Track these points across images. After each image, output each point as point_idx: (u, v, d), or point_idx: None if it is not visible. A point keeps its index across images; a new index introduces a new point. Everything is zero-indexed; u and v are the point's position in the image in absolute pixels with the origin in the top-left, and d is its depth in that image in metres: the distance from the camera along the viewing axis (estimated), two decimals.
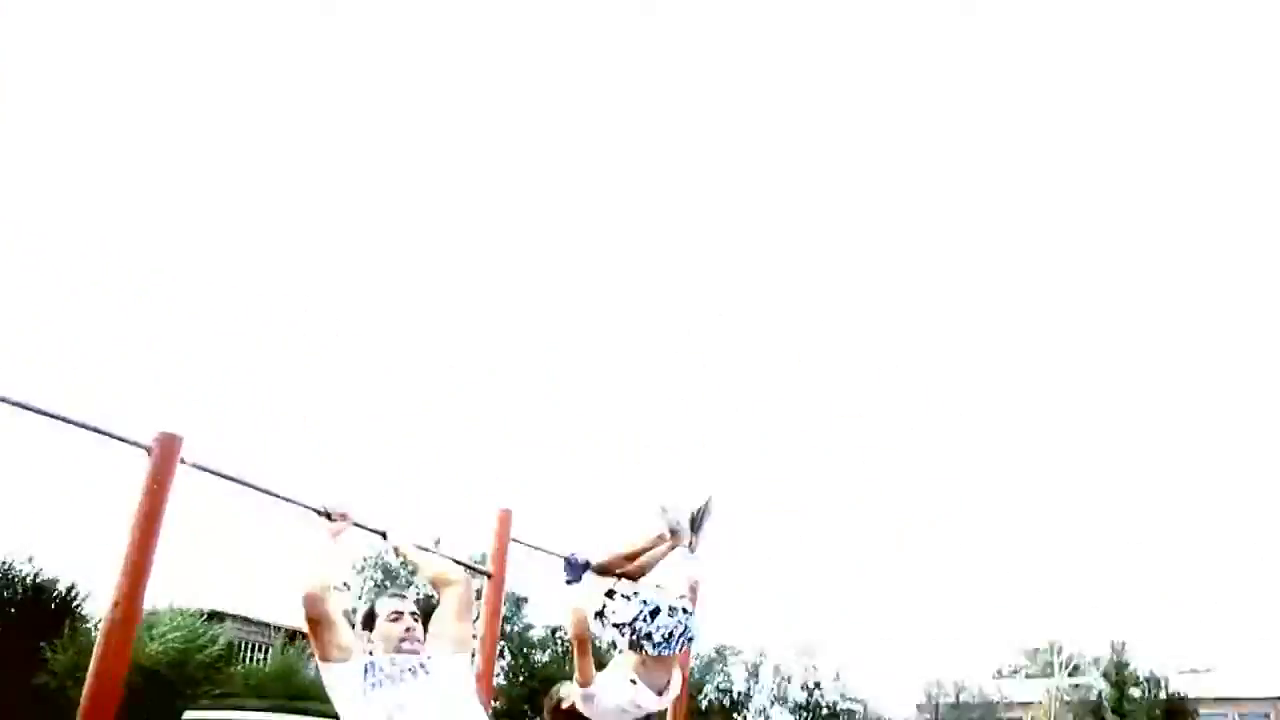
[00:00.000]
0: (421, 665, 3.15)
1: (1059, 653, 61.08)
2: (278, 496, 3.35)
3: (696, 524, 4.50)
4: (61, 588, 29.15)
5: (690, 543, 4.56)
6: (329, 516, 3.49)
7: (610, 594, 4.33)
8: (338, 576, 3.43)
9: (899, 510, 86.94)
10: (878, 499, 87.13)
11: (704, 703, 53.87)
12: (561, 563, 4.38)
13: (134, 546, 2.72)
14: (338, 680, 3.16)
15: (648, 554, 4.52)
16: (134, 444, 2.77)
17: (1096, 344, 74.93)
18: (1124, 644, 56.47)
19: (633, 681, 4.36)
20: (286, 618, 38.05)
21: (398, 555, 3.57)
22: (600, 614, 4.30)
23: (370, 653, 3.24)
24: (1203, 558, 79.57)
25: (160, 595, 26.07)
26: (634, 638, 4.26)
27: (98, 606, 29.85)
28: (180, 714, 21.60)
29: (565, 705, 4.45)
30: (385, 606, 3.38)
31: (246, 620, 35.00)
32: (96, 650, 2.71)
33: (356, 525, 3.59)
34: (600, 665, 4.44)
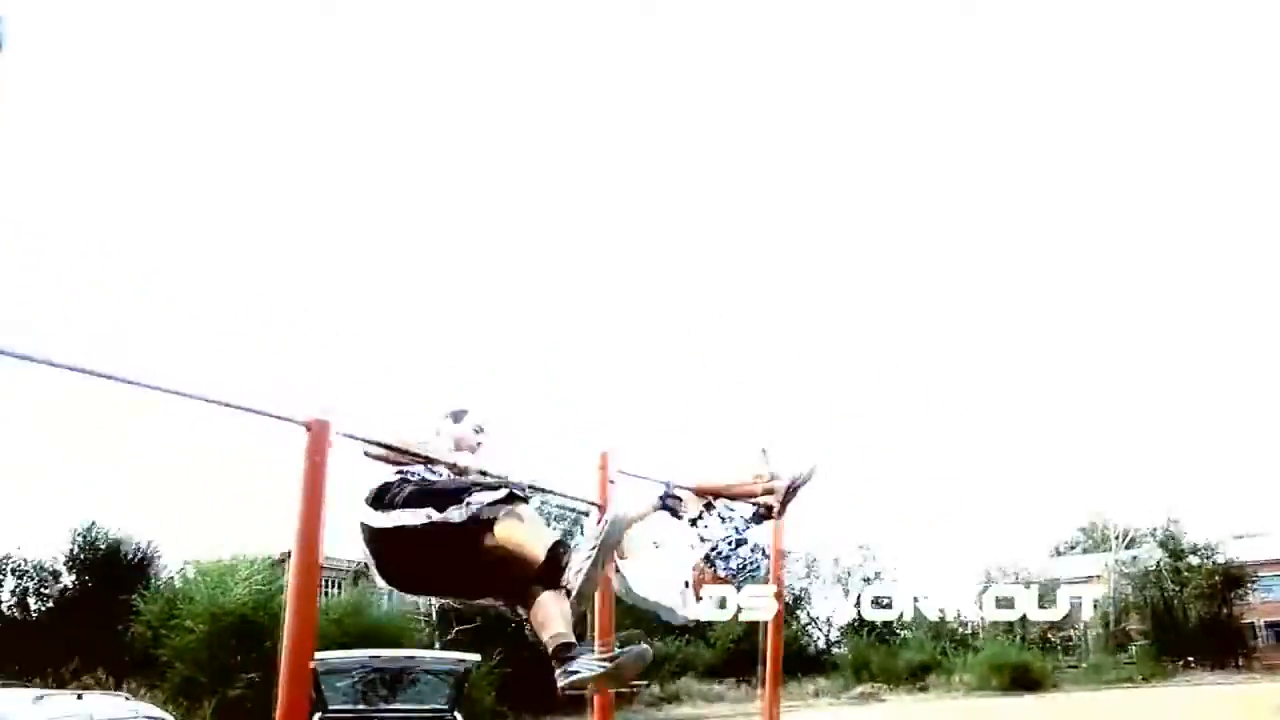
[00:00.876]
0: None
1: (1113, 527, 61.47)
2: (419, 457, 3.67)
3: (790, 494, 4.77)
4: (139, 546, 30.33)
5: (780, 507, 4.81)
6: (456, 470, 3.84)
7: (710, 507, 4.65)
8: None
9: (948, 396, 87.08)
10: (926, 387, 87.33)
11: None
12: (659, 492, 4.67)
13: (305, 514, 3.05)
14: None
15: (739, 490, 4.80)
16: (292, 421, 3.08)
17: (1141, 211, 74.00)
18: (1178, 513, 56.63)
19: (686, 584, 4.67)
20: (352, 554, 39.21)
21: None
22: (694, 521, 4.62)
23: None
24: (1253, 422, 79.35)
25: (234, 546, 27.00)
26: (710, 554, 4.57)
27: (172, 561, 31.05)
28: (267, 653, 22.57)
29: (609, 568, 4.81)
30: None
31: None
32: (288, 612, 3.03)
33: (481, 473, 3.92)
34: None
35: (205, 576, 26.27)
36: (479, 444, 3.99)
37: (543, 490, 4.37)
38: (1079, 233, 76.93)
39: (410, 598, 37.68)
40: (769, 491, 4.70)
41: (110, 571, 29.20)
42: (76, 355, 2.71)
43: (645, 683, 41.19)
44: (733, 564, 4.57)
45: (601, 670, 3.83)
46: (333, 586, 35.71)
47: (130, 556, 29.99)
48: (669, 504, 4.79)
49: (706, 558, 4.58)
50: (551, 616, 3.74)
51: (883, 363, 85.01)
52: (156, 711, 11.43)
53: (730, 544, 4.57)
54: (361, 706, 9.76)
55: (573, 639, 3.76)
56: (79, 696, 10.16)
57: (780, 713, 5.77)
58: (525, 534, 3.49)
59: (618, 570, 4.51)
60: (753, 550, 4.58)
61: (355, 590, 30.94)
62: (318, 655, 10.03)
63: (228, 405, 3.02)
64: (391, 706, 9.42)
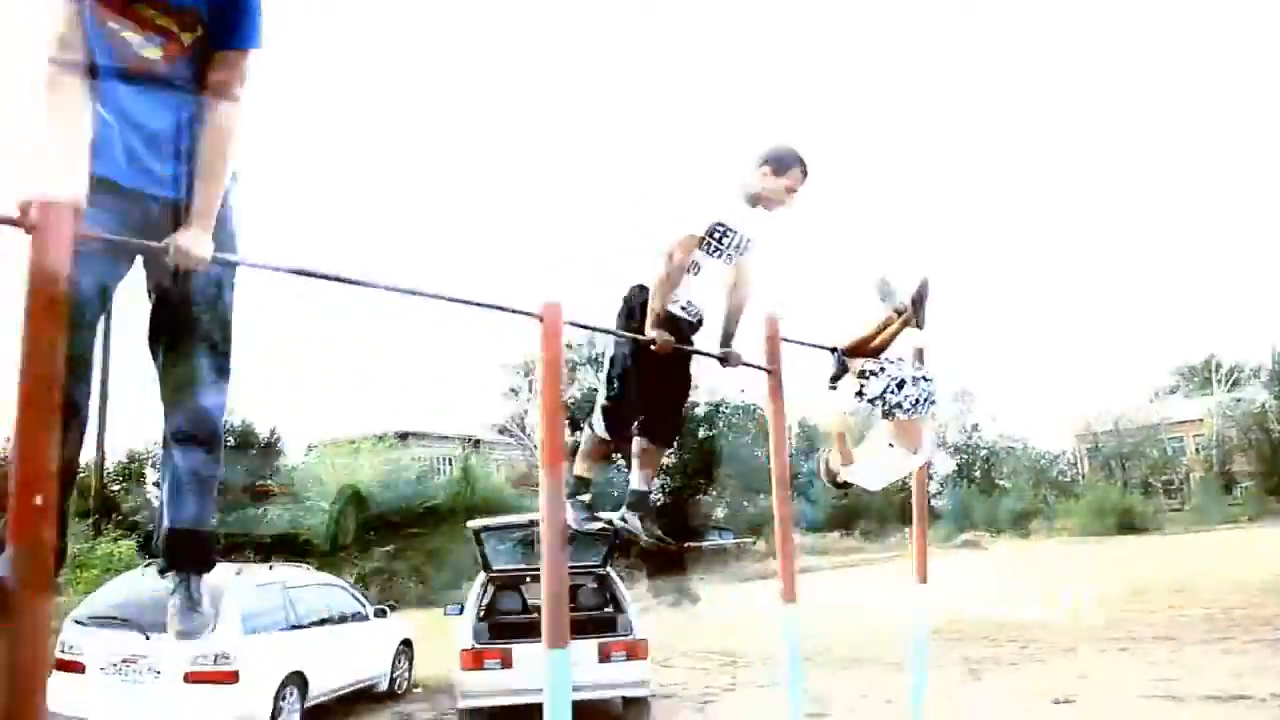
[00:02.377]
0: None
1: (1217, 368, 60.40)
2: (611, 332, 4.25)
3: (919, 304, 5.14)
4: (267, 431, 31.91)
5: (918, 319, 5.19)
6: (651, 343, 4.32)
7: (863, 374, 5.05)
8: None
9: (1045, 234, 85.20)
10: (1022, 225, 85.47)
11: None
12: (831, 356, 5.07)
13: (547, 397, 3.49)
14: None
15: (883, 335, 5.18)
16: (527, 314, 3.53)
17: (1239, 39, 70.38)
18: None
19: (890, 445, 5.16)
20: (467, 429, 40.55)
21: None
22: (859, 393, 5.04)
23: None
24: None
25: (357, 426, 28.13)
26: (885, 408, 5.00)
27: (299, 445, 32.60)
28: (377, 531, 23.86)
29: (840, 478, 5.31)
30: None
31: (437, 437, 37.25)
32: (542, 490, 3.49)
33: (676, 348, 4.41)
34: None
35: (331, 458, 27.57)
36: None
37: (699, 354, 4.92)
38: (1185, 53, 73.65)
39: (523, 469, 39.10)
40: (905, 321, 5.09)
41: (242, 458, 30.82)
42: (307, 260, 3.06)
43: (753, 539, 42.42)
44: (909, 403, 4.96)
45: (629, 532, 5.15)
46: (445, 464, 37.18)
47: (259, 442, 31.54)
48: (842, 370, 5.19)
49: (885, 414, 4.98)
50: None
51: (973, 201, 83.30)
52: (333, 578, 12.50)
53: (894, 390, 4.95)
54: (522, 565, 10.55)
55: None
56: (270, 568, 11.22)
57: (926, 553, 6.24)
58: None
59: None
60: (914, 383, 4.97)
61: (467, 464, 32.17)
62: (480, 521, 10.81)
63: (462, 301, 3.41)
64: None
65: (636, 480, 5.11)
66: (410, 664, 12.09)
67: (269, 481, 27.40)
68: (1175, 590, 18.92)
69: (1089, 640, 13.65)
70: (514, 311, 3.53)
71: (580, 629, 9.39)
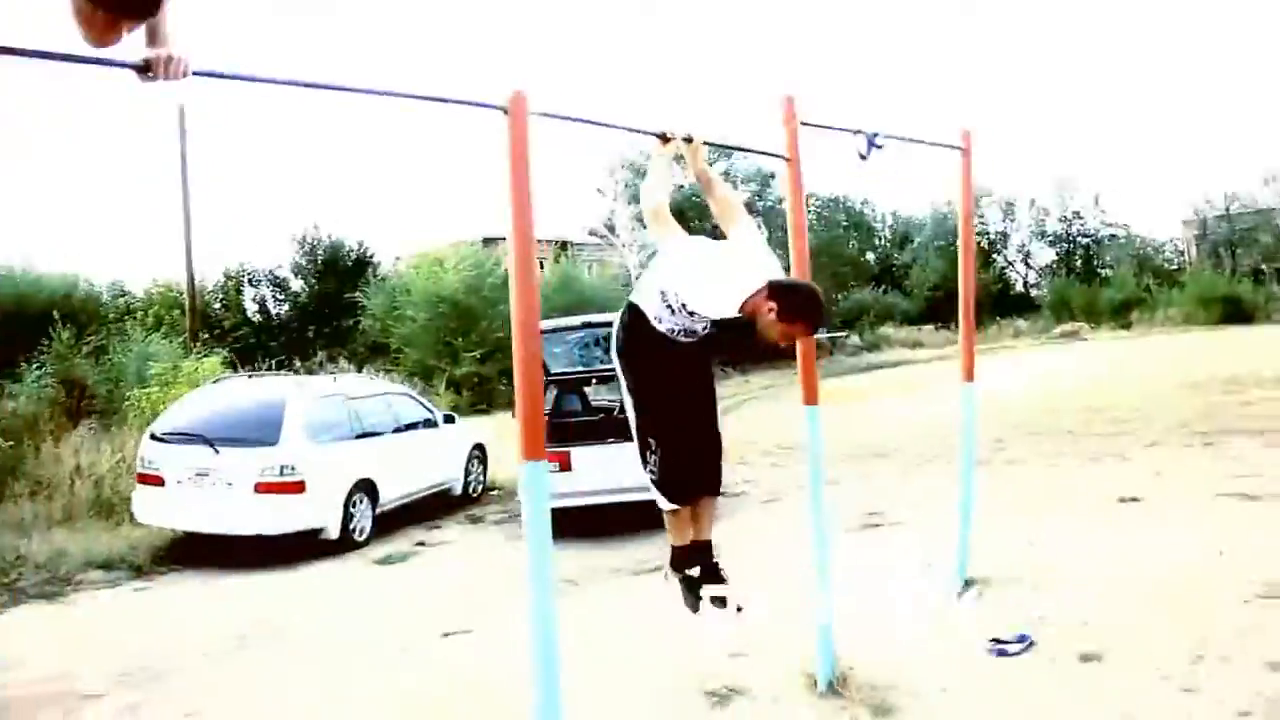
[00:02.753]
0: None
1: None
2: (619, 127, 3.75)
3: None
4: (355, 245, 32.22)
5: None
6: (665, 138, 3.88)
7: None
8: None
9: (1154, 9, 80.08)
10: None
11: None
12: (861, 139, 4.67)
13: (515, 196, 3.23)
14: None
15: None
16: (492, 106, 3.23)
17: None
18: None
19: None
20: (555, 231, 40.47)
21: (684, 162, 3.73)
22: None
23: None
24: None
25: (441, 233, 28.05)
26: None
27: (386, 257, 32.94)
28: (484, 333, 24.20)
29: None
30: None
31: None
32: (512, 283, 3.29)
33: (686, 141, 3.95)
34: None
35: (418, 267, 27.79)
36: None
37: (729, 149, 4.46)
38: None
39: (613, 269, 39.11)
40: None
41: (333, 272, 31.29)
42: (266, 67, 2.83)
43: (846, 333, 42.18)
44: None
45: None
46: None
47: (348, 256, 31.92)
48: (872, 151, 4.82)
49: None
50: None
51: None
52: (398, 387, 12.70)
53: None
54: (580, 368, 10.50)
55: None
56: (334, 379, 11.41)
57: (974, 352, 5.92)
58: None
59: None
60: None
61: (559, 266, 32.24)
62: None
63: (421, 98, 3.15)
64: (607, 366, 10.05)
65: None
66: (484, 468, 12.33)
67: (359, 293, 27.78)
68: (1277, 382, 18.18)
69: (1176, 433, 13.26)
70: (477, 105, 3.25)
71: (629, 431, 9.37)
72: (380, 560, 9.13)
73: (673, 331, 3.71)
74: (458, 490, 11.71)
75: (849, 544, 8.37)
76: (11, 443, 12.24)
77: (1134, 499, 9.14)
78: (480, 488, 12.13)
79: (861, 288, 46.93)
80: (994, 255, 56.23)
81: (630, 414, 3.94)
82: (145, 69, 2.51)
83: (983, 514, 7.30)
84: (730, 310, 3.50)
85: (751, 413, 21.24)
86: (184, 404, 10.40)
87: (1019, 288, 57.23)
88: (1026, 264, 58.46)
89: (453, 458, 11.67)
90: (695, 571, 4.11)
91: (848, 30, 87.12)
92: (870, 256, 53.04)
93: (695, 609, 4.08)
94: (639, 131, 3.88)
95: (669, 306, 3.64)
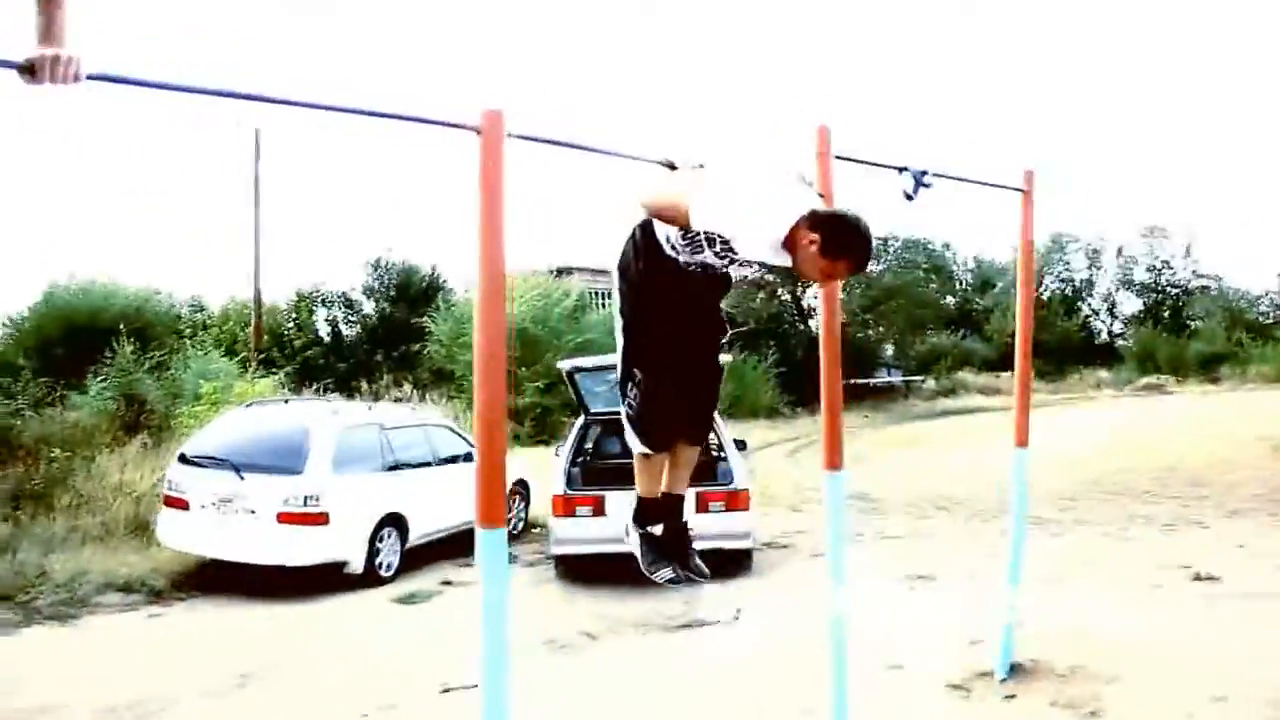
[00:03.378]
0: None
1: None
2: (612, 154, 3.34)
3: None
4: (427, 271, 32.39)
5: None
6: (672, 168, 3.46)
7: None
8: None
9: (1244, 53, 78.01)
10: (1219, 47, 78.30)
11: (1045, 295, 53.21)
12: (908, 177, 4.20)
13: (486, 228, 2.86)
14: None
15: None
16: (463, 127, 2.86)
17: None
18: None
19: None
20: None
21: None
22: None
23: None
24: None
25: (512, 261, 27.88)
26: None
27: (459, 283, 33.03)
28: (549, 364, 24.00)
29: None
30: None
31: (593, 271, 37.08)
32: (476, 318, 2.92)
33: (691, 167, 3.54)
34: None
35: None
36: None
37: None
38: None
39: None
40: None
41: (404, 296, 31.48)
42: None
43: (921, 378, 41.26)
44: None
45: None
46: (607, 298, 36.97)
47: (420, 281, 32.11)
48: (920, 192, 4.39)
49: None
50: None
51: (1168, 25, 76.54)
52: (438, 418, 12.43)
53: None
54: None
55: None
56: (369, 407, 11.16)
57: (1029, 405, 5.37)
58: None
59: None
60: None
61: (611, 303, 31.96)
62: (575, 361, 10.39)
63: (385, 116, 2.81)
64: None
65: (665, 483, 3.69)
66: (526, 505, 11.96)
67: (427, 319, 27.85)
68: None
69: (1262, 502, 12.43)
70: (446, 125, 2.89)
71: None
72: (400, 599, 8.77)
73: (689, 266, 3.26)
74: None
75: (888, 603, 7.86)
76: (67, 454, 12.27)
77: (1210, 577, 8.38)
78: (520, 525, 11.76)
79: (939, 332, 45.99)
80: (1078, 303, 54.81)
81: (618, 337, 3.51)
82: (29, 70, 2.19)
83: (1040, 582, 6.73)
84: (774, 245, 3.02)
85: (815, 457, 20.64)
86: (215, 426, 10.23)
87: (1103, 337, 55.63)
88: (1111, 313, 56.86)
89: None
90: (659, 530, 3.64)
91: (896, 58, 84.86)
92: (949, 300, 51.98)
93: (651, 573, 3.58)
94: (638, 159, 3.45)
95: (691, 240, 3.14)
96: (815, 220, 2.99)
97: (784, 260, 3.08)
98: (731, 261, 3.19)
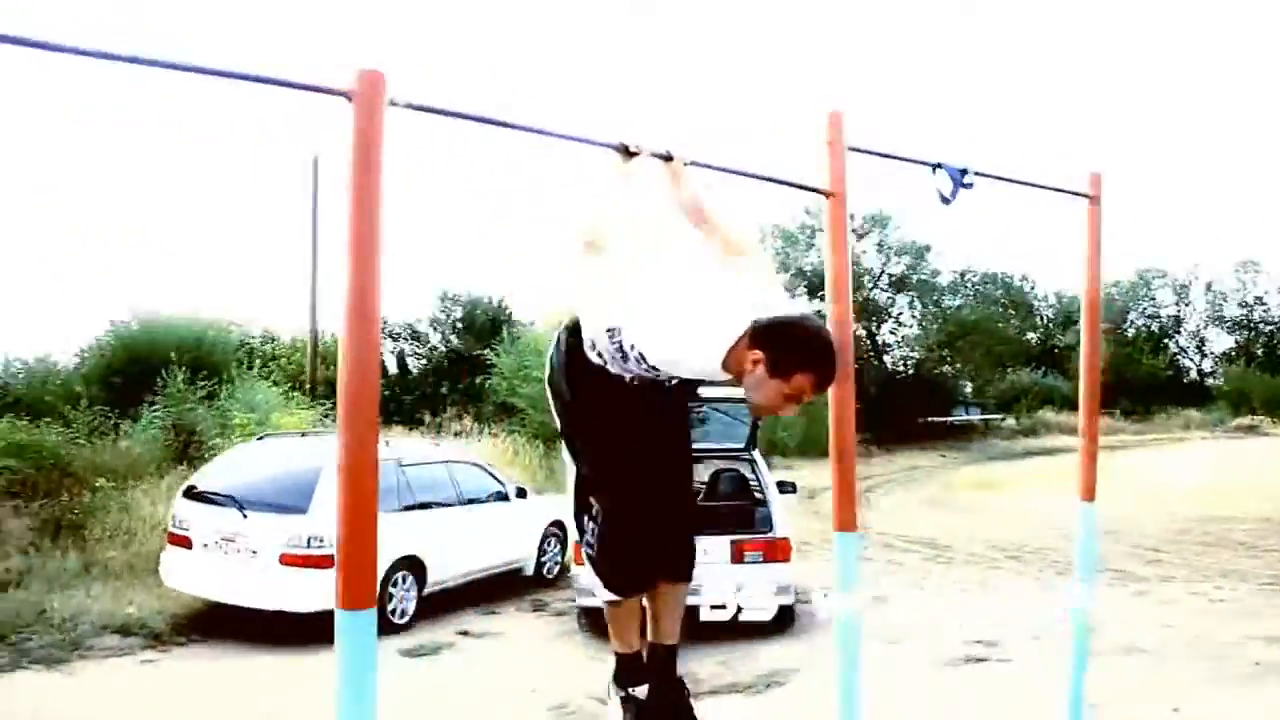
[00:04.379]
0: None
1: None
2: (549, 134, 2.61)
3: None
4: (493, 303, 32.15)
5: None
6: (628, 152, 2.79)
7: None
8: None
9: None
10: None
11: (1130, 332, 51.34)
12: (943, 176, 3.47)
13: (356, 215, 2.17)
14: None
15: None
16: (331, 91, 2.20)
17: None
18: None
19: None
20: None
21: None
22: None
23: None
24: None
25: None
26: None
27: (526, 317, 32.66)
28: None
29: None
30: None
31: None
32: (342, 337, 2.22)
33: (665, 159, 2.85)
34: None
35: (551, 328, 27.34)
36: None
37: (736, 173, 3.24)
38: None
39: None
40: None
41: (470, 329, 31.24)
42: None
43: (1001, 416, 39.84)
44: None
45: None
46: None
47: (485, 314, 31.86)
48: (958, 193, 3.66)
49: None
50: None
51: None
52: (466, 455, 11.81)
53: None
54: None
55: None
56: (386, 443, 10.55)
57: (1096, 453, 4.54)
58: None
59: None
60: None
61: None
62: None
63: (242, 77, 2.15)
64: (713, 446, 8.96)
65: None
66: (562, 547, 11.26)
67: (489, 351, 27.52)
68: None
69: None
70: (311, 89, 2.23)
71: (714, 521, 8.21)
72: (408, 651, 8.06)
73: (625, 377, 2.60)
74: (530, 570, 10.67)
75: (935, 685, 7.01)
76: (114, 484, 11.97)
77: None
78: (556, 568, 11.06)
79: (1019, 369, 44.51)
80: (1165, 340, 52.83)
81: (568, 461, 2.88)
82: None
83: (1119, 653, 5.82)
84: (711, 369, 2.38)
85: (885, 499, 19.67)
86: (225, 459, 9.72)
87: (1192, 375, 53.49)
88: (1201, 350, 54.69)
89: (523, 535, 10.63)
90: (641, 693, 2.90)
91: (934, 49, 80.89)
92: (1030, 337, 50.38)
93: None
94: (586, 142, 2.75)
95: (620, 350, 2.49)
96: (756, 335, 2.34)
97: (728, 379, 2.42)
98: (660, 374, 2.52)
